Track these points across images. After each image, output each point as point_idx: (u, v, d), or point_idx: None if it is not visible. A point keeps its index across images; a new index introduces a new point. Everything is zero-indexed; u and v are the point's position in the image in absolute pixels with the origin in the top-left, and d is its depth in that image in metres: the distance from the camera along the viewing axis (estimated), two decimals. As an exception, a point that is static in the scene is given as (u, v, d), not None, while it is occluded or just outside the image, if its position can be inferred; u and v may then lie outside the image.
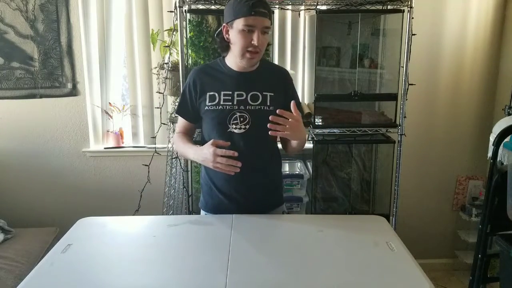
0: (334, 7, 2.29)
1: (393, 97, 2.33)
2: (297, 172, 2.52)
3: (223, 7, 1.98)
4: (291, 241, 1.48)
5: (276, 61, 2.65)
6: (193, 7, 2.22)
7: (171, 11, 2.26)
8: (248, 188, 1.69)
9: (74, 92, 2.70)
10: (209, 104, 1.64)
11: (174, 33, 2.20)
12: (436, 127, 2.85)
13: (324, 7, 2.32)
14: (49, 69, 2.66)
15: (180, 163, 2.43)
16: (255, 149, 1.64)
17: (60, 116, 2.73)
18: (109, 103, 2.82)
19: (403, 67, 2.25)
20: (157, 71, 2.49)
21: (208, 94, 1.65)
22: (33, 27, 2.60)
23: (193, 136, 1.82)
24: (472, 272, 2.01)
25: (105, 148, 2.81)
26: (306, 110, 2.38)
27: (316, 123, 2.35)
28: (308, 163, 2.66)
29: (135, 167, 2.78)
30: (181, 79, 2.21)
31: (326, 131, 2.34)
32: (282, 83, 1.71)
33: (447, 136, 2.86)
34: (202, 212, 1.80)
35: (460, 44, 2.73)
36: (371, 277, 1.25)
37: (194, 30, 2.24)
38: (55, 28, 2.61)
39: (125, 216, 1.69)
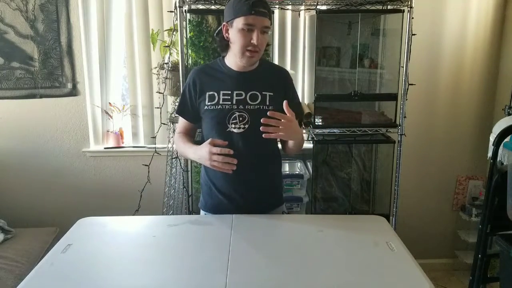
0: (334, 7, 2.29)
1: (393, 97, 2.33)
2: (297, 172, 2.52)
3: (223, 7, 1.98)
4: (291, 241, 1.48)
5: (276, 61, 2.65)
6: (193, 7, 2.22)
7: (171, 11, 2.26)
8: (247, 188, 1.69)
9: (74, 92, 2.70)
10: (209, 103, 1.64)
11: (174, 33, 2.20)
12: (436, 127, 2.85)
13: (324, 7, 2.32)
14: (49, 69, 2.66)
15: (180, 163, 2.43)
16: (254, 149, 1.65)
17: (60, 116, 2.73)
18: (109, 103, 2.82)
19: (403, 67, 2.25)
20: (157, 71, 2.49)
21: (207, 93, 1.65)
22: (33, 27, 2.60)
23: (194, 137, 1.82)
24: (472, 272, 2.01)
25: (105, 148, 2.81)
26: (306, 110, 2.38)
27: (316, 123, 2.35)
28: (308, 163, 2.66)
29: (135, 167, 2.78)
30: (181, 79, 2.21)
31: (326, 131, 2.34)
32: (282, 82, 1.71)
33: (447, 136, 2.86)
34: (202, 212, 1.80)
35: (460, 44, 2.73)
36: (371, 277, 1.25)
37: (194, 30, 2.24)
38: (55, 28, 2.61)
39: (125, 216, 1.69)
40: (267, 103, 1.64)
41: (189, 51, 2.26)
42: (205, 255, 1.37)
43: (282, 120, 1.48)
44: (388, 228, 1.56)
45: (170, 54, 2.33)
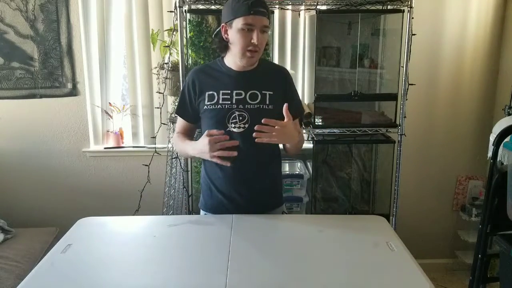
0: (334, 7, 2.30)
1: (393, 97, 2.33)
2: (297, 172, 2.52)
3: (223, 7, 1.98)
4: (291, 241, 1.48)
5: (276, 61, 2.64)
6: (193, 7, 2.22)
7: (171, 11, 2.26)
8: (247, 188, 1.68)
9: (74, 92, 2.70)
10: (208, 103, 1.64)
11: (174, 33, 2.20)
12: (436, 127, 2.85)
13: (324, 7, 2.32)
14: (49, 69, 2.66)
15: (180, 163, 2.42)
16: (254, 148, 1.63)
17: (60, 116, 2.73)
18: (109, 103, 2.82)
19: (403, 67, 2.25)
20: (157, 71, 2.49)
21: (207, 93, 1.65)
22: (33, 27, 2.60)
23: (193, 137, 1.82)
24: (472, 272, 2.01)
25: (105, 148, 2.81)
26: (306, 110, 2.38)
27: (316, 123, 2.35)
28: (308, 163, 2.66)
29: (135, 167, 2.77)
30: (181, 79, 2.22)
31: (326, 131, 2.34)
32: (282, 81, 1.71)
33: (447, 136, 2.86)
34: (202, 212, 1.79)
35: (460, 44, 2.72)
36: (371, 277, 1.25)
37: (194, 30, 2.24)
38: (55, 28, 2.61)
39: (125, 216, 1.69)
40: (267, 102, 1.64)
41: (189, 51, 2.26)
42: (205, 255, 1.37)
43: (276, 127, 1.49)
44: (388, 228, 1.56)
45: (170, 54, 2.33)
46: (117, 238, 1.51)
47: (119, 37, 2.74)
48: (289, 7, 2.43)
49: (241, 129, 1.62)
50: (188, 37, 2.24)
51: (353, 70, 2.41)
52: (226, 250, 1.36)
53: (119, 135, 2.84)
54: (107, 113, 2.81)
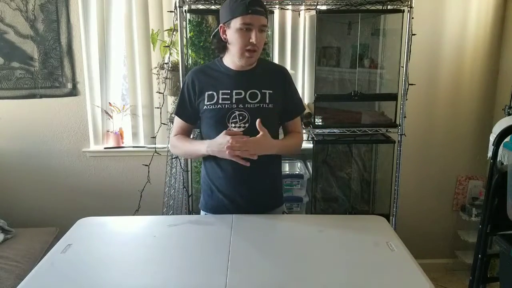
0: (334, 7, 2.30)
1: (393, 97, 2.33)
2: (297, 172, 2.52)
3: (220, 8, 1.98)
4: (291, 241, 1.48)
5: (276, 61, 2.64)
6: (193, 7, 2.22)
7: (171, 11, 2.26)
8: (247, 189, 1.69)
9: (74, 92, 2.70)
10: (208, 103, 1.64)
11: (174, 33, 2.20)
12: (436, 127, 2.85)
13: (324, 7, 2.32)
14: (49, 69, 2.66)
15: (180, 163, 2.42)
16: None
17: (60, 116, 2.73)
18: (109, 103, 2.82)
19: (403, 67, 2.25)
20: (157, 71, 2.49)
21: (206, 93, 1.65)
22: (33, 27, 2.60)
23: (190, 137, 1.82)
24: (472, 272, 2.01)
25: (105, 148, 2.81)
26: (306, 110, 2.38)
27: (316, 123, 2.35)
28: (308, 163, 2.66)
29: (135, 167, 2.77)
30: (181, 79, 2.22)
31: (326, 131, 2.34)
32: (281, 80, 1.71)
33: (447, 136, 2.86)
34: (202, 212, 1.79)
35: (460, 44, 2.72)
36: (371, 277, 1.25)
37: (194, 30, 2.24)
38: (55, 28, 2.61)
39: (125, 216, 1.69)
40: (267, 101, 1.64)
41: (189, 51, 2.26)
42: (205, 255, 1.37)
43: (247, 144, 1.52)
44: (388, 228, 1.56)
45: (170, 54, 2.33)
46: (117, 238, 1.51)
47: (119, 37, 2.74)
48: (289, 7, 2.43)
49: (242, 129, 1.62)
50: (188, 37, 2.24)
51: (353, 70, 2.41)
52: (226, 250, 1.36)
53: (119, 135, 2.84)
54: (107, 113, 2.81)
